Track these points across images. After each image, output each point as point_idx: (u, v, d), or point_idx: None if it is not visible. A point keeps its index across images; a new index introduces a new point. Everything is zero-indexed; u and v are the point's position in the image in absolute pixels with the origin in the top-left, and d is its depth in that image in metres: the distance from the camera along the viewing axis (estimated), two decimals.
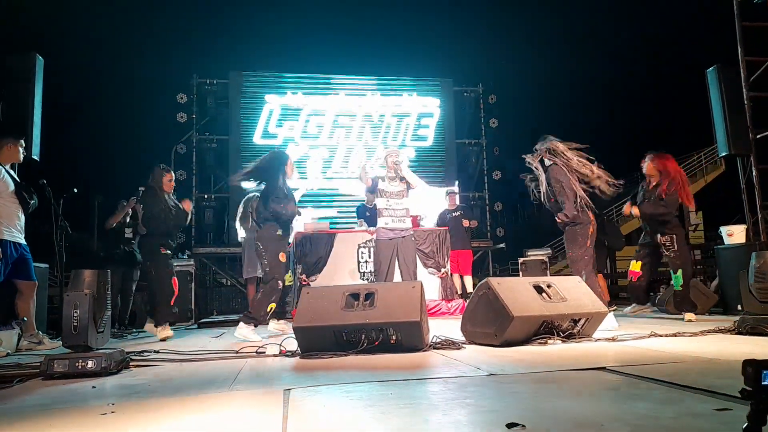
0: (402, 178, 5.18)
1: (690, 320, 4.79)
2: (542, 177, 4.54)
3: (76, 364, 2.64)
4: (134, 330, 5.87)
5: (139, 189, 6.09)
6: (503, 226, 10.70)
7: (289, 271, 4.90)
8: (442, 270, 6.93)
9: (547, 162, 4.54)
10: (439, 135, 10.45)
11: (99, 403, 1.98)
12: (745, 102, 6.66)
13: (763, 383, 1.23)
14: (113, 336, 4.97)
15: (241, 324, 4.23)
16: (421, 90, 10.38)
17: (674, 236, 5.05)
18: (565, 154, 4.48)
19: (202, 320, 6.98)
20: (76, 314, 2.73)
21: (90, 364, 2.65)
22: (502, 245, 10.46)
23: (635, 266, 5.50)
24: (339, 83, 10.20)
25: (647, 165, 5.19)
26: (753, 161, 6.70)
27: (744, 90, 6.69)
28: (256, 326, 4.28)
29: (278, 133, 9.64)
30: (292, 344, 3.23)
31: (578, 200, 4.42)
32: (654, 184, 5.13)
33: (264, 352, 3.23)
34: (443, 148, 10.47)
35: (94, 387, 2.38)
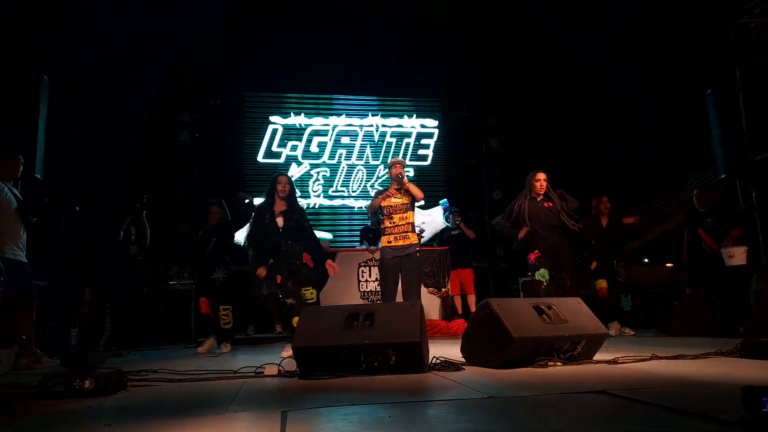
0: (406, 191, 5.04)
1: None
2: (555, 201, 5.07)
3: (74, 384, 2.62)
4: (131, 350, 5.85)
5: (143, 196, 6.12)
6: (503, 246, 10.66)
7: (303, 287, 4.73)
8: (443, 289, 6.91)
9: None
10: (439, 154, 10.50)
11: (96, 424, 1.97)
12: (744, 124, 6.69)
13: (762, 410, 1.23)
14: (113, 355, 4.95)
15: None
16: (420, 111, 10.44)
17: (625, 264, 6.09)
18: None
19: (201, 339, 6.94)
20: (74, 333, 2.72)
21: (87, 383, 2.63)
22: (503, 264, 10.40)
23: (603, 283, 5.76)
24: (341, 105, 10.24)
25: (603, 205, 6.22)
26: (752, 183, 6.70)
27: (742, 112, 6.72)
28: None
29: (281, 152, 9.67)
30: (292, 365, 3.21)
31: None
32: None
33: (262, 372, 3.21)
34: (443, 168, 10.51)
35: (91, 407, 2.36)
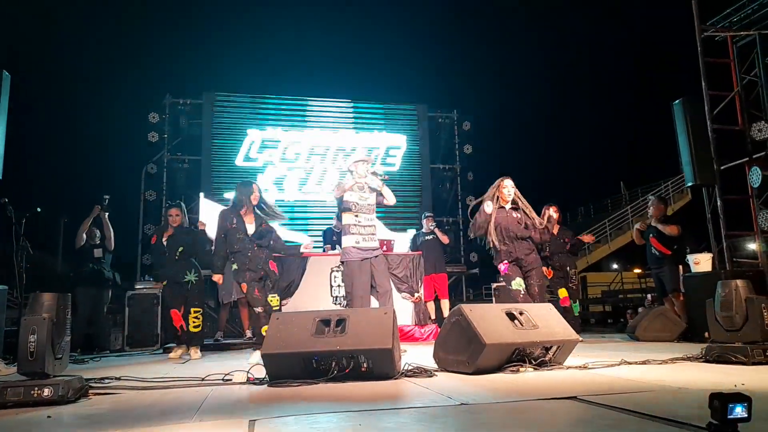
0: (373, 189, 4.77)
1: None
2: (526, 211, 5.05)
3: (32, 392, 2.52)
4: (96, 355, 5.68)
5: (104, 197, 5.96)
6: (477, 251, 10.74)
7: (269, 295, 4.63)
8: (416, 295, 6.90)
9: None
10: (413, 160, 10.59)
11: None
12: (710, 134, 6.88)
13: (729, 417, 1.24)
14: (74, 361, 4.80)
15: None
16: (390, 125, 10.58)
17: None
18: None
19: (168, 345, 6.77)
20: (33, 339, 2.60)
21: (46, 392, 2.53)
22: (476, 270, 10.48)
23: (564, 292, 5.85)
24: (314, 119, 10.30)
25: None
26: (717, 192, 6.90)
27: (708, 123, 6.91)
28: None
29: (258, 157, 9.81)
30: (261, 371, 3.15)
31: None
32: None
33: (231, 380, 3.14)
34: (417, 173, 10.57)
35: (49, 417, 2.27)
